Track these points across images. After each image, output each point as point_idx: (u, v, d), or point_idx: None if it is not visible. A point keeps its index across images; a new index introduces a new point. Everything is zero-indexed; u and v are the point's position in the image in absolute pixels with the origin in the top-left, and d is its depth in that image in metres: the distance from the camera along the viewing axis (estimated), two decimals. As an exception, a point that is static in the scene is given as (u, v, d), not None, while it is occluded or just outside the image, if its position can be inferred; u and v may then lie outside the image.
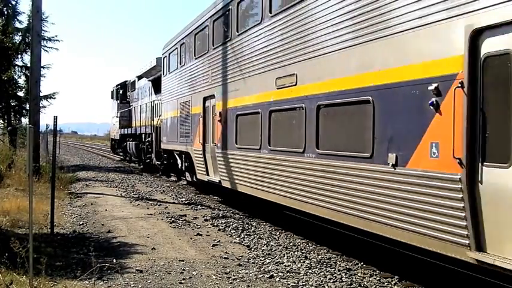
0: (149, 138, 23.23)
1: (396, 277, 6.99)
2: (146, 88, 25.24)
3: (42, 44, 22.47)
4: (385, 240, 6.96)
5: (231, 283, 6.55)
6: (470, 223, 5.18)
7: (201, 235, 9.59)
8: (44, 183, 15.39)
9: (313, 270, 7.27)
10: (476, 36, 5.16)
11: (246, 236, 9.55)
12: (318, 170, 7.95)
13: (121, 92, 32.56)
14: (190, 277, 6.77)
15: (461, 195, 5.26)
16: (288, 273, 7.07)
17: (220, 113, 12.30)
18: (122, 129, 30.67)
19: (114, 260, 7.39)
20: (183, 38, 16.13)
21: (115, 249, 8.35)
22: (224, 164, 12.19)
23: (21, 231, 9.14)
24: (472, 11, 5.18)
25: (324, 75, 7.83)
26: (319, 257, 8.07)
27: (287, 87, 9.01)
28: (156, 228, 10.12)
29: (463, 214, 5.26)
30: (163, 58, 19.24)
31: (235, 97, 11.48)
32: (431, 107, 5.64)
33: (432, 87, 5.62)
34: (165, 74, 18.95)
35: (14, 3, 26.29)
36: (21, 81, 27.26)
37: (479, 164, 5.16)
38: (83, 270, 6.67)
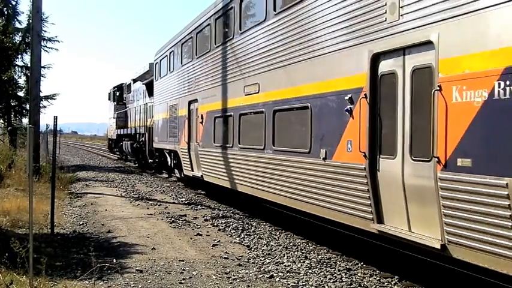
0: (143, 138, 24.68)
1: (396, 277, 6.99)
2: (141, 91, 26.42)
3: (42, 44, 22.48)
4: (385, 240, 7.00)
5: (231, 283, 6.55)
6: (373, 201, 6.79)
7: (201, 235, 9.59)
8: (44, 183, 15.39)
9: (313, 270, 7.27)
10: (375, 59, 6.79)
11: (246, 236, 9.55)
12: (274, 163, 9.65)
13: (118, 94, 33.86)
14: (190, 277, 6.77)
15: (366, 180, 6.89)
16: (288, 273, 7.07)
17: (201, 115, 13.96)
18: (118, 130, 31.93)
19: (114, 260, 7.40)
20: (172, 47, 17.80)
21: (115, 249, 8.35)
22: (205, 161, 13.83)
23: (21, 231, 9.15)
24: (371, 40, 6.82)
25: (278, 85, 9.55)
26: (319, 257, 8.08)
27: (252, 94, 10.70)
28: (156, 228, 10.12)
29: (368, 195, 6.87)
30: (155, 64, 20.90)
31: (213, 102, 13.14)
32: (347, 113, 7.28)
33: (347, 97, 7.25)
34: (156, 78, 20.64)
35: (14, 3, 26.35)
36: (21, 81, 27.33)
37: (378, 156, 6.78)
38: (83, 270, 6.68)
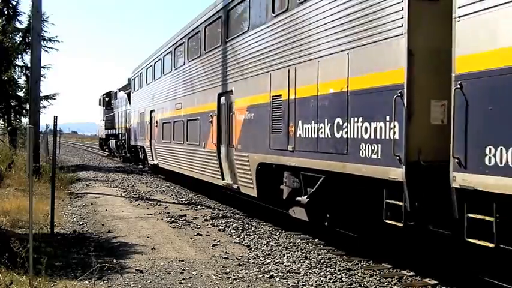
0: (124, 137, 30.87)
1: (396, 277, 6.99)
2: (123, 99, 31.55)
3: (42, 44, 22.49)
4: (385, 240, 6.98)
5: (231, 283, 6.55)
6: (220, 169, 12.34)
7: (201, 235, 9.59)
8: (44, 183, 15.40)
9: (313, 270, 7.27)
10: (219, 96, 12.37)
11: (246, 236, 9.55)
12: (186, 152, 15.45)
13: (107, 100, 39.99)
14: (190, 277, 6.77)
15: (216, 158, 12.42)
16: (288, 273, 7.07)
17: (157, 121, 19.92)
18: (107, 130, 38.69)
19: (114, 260, 7.39)
20: (141, 69, 23.55)
21: (115, 249, 8.35)
22: (158, 152, 19.83)
23: (21, 231, 9.15)
24: (217, 87, 12.47)
25: (190, 104, 15.10)
26: (319, 257, 8.07)
27: (179, 109, 16.36)
28: (156, 228, 10.12)
29: (218, 166, 12.44)
30: (132, 79, 26.58)
31: (162, 112, 18.93)
32: (210, 123, 12.78)
33: (210, 114, 12.82)
34: (132, 91, 26.42)
35: (14, 3, 26.33)
36: (21, 81, 27.32)
37: (220, 146, 12.28)
38: (83, 270, 6.67)
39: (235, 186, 11.43)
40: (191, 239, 9.26)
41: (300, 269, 7.30)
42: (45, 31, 26.51)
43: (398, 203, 6.21)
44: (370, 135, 6.55)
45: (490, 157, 4.87)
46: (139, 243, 8.79)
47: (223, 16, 12.05)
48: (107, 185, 18.51)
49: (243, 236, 9.58)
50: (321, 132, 7.69)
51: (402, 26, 5.99)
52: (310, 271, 7.21)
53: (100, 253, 7.76)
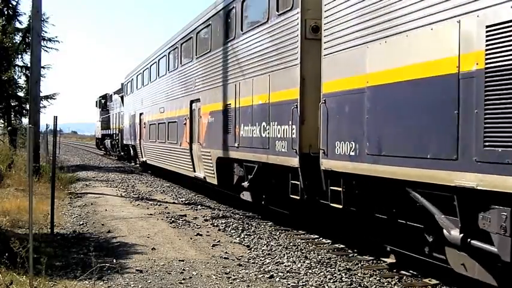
0: (118, 137, 33.55)
1: (396, 277, 6.99)
2: (118, 101, 33.57)
3: (42, 44, 22.49)
4: (384, 240, 7.01)
5: (231, 283, 6.55)
6: (192, 163, 14.77)
7: (201, 235, 9.59)
8: (44, 183, 15.39)
9: (313, 270, 7.27)
10: (191, 102, 14.85)
11: (246, 236, 9.55)
12: (167, 149, 18.06)
13: (103, 102, 42.72)
14: (190, 277, 6.77)
15: (189, 154, 14.85)
16: (288, 273, 7.07)
17: (145, 123, 22.34)
18: (103, 130, 41.42)
19: (114, 260, 7.40)
20: (132, 76, 26.33)
21: (115, 249, 8.35)
22: (146, 150, 22.51)
23: (21, 231, 9.15)
24: (190, 95, 15.04)
25: (169, 109, 17.75)
26: (319, 257, 8.07)
27: (162, 113, 18.81)
28: (156, 228, 10.12)
29: (190, 160, 14.87)
30: (125, 84, 29.10)
31: (149, 114, 21.44)
32: (184, 124, 15.27)
33: (184, 118, 15.47)
34: (125, 95, 29.00)
35: (14, 3, 26.32)
36: (21, 81, 27.30)
37: (192, 144, 14.67)
38: (83, 270, 6.67)
39: (202, 176, 13.94)
40: (191, 239, 9.26)
41: (300, 269, 7.30)
42: (45, 31, 26.53)
43: (296, 182, 8.66)
44: (281, 135, 9.06)
45: (337, 149, 7.24)
46: (139, 243, 8.79)
47: (193, 37, 14.78)
48: (106, 185, 18.51)
49: (243, 236, 9.58)
50: (254, 133, 10.20)
51: (297, 58, 8.44)
52: (310, 271, 7.21)
53: (100, 253, 7.75)
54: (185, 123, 15.29)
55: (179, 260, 7.63)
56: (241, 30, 10.87)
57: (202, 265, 7.41)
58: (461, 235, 5.36)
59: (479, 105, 4.82)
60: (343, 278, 6.88)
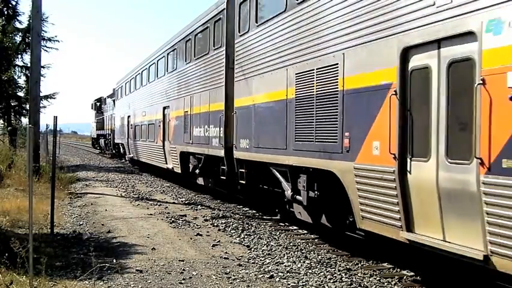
0: (110, 137, 37.22)
1: (396, 277, 6.99)
2: (111, 104, 37.15)
3: (42, 44, 22.49)
4: (385, 240, 7.01)
5: (231, 283, 6.55)
6: (165, 157, 18.76)
7: (201, 235, 9.59)
8: (44, 183, 15.39)
9: (313, 270, 7.27)
10: (164, 108, 18.76)
11: (246, 236, 9.55)
12: (147, 146, 21.60)
13: (98, 104, 47.01)
14: (190, 277, 6.77)
15: (162, 150, 18.83)
16: (288, 273, 7.06)
17: (131, 124, 25.84)
18: (98, 131, 46.23)
19: (114, 260, 7.39)
20: (122, 82, 30.08)
21: (115, 249, 8.35)
22: (133, 147, 25.88)
23: (21, 231, 9.14)
24: (164, 101, 19.12)
25: (150, 114, 21.31)
26: (319, 257, 8.07)
27: (145, 116, 22.34)
28: (156, 228, 10.12)
29: (163, 155, 18.84)
30: (116, 89, 32.89)
31: (134, 117, 25.25)
32: (159, 125, 19.28)
33: (159, 120, 19.46)
34: (116, 99, 32.89)
35: (14, 3, 26.31)
36: (21, 81, 27.30)
37: (164, 141, 18.54)
38: (83, 270, 6.67)
39: (171, 167, 17.64)
40: (191, 239, 9.26)
41: (300, 269, 7.30)
42: (45, 31, 26.52)
43: (224, 167, 12.53)
44: (215, 134, 12.96)
45: (241, 144, 11.23)
46: (139, 243, 8.78)
47: (165, 56, 18.89)
48: (106, 185, 18.51)
49: (243, 236, 9.58)
50: (201, 133, 14.19)
51: (223, 81, 12.44)
52: (310, 271, 7.21)
53: (100, 253, 7.75)
54: (160, 125, 19.19)
55: (179, 260, 7.63)
56: (194, 56, 15.07)
57: (202, 265, 7.41)
58: (292, 193, 9.27)
59: (293, 118, 8.76)
60: (343, 278, 6.88)
